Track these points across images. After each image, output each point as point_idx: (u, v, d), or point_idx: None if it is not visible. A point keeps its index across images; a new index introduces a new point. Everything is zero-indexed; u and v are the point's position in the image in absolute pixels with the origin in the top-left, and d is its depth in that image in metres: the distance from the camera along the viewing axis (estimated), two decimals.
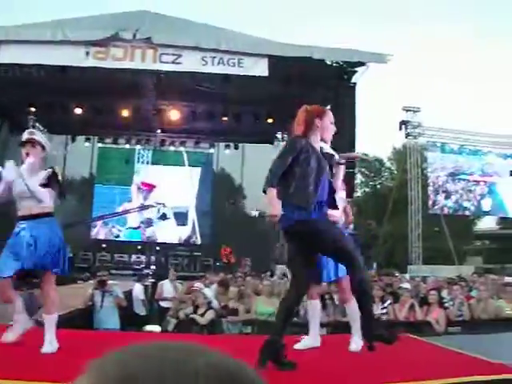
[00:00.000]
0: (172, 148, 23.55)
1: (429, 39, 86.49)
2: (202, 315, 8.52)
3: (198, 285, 9.63)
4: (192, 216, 23.53)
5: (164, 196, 21.71)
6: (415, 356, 5.04)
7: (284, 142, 24.37)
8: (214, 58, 14.39)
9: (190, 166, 23.90)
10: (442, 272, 18.10)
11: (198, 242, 23.40)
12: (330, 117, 4.87)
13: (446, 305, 9.06)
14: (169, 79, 15.68)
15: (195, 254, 22.00)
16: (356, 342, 4.93)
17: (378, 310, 8.71)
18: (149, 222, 22.92)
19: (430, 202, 24.09)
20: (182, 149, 23.59)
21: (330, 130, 4.85)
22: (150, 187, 23.26)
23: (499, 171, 24.26)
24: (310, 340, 5.09)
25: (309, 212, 4.21)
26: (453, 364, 4.47)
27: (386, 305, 8.81)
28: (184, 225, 23.42)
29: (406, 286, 9.99)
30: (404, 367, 4.36)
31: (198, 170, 24.08)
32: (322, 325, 7.90)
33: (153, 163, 23.81)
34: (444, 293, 9.89)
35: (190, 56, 14.30)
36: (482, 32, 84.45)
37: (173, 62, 14.23)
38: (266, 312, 8.65)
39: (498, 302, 9.24)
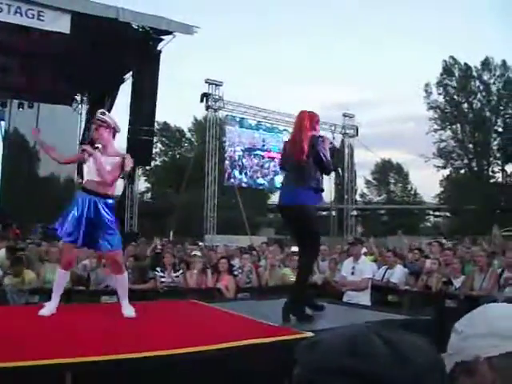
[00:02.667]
0: None
1: (238, 15, 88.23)
2: None
3: None
4: None
5: None
6: (204, 320, 5.20)
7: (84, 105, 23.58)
8: (11, 6, 13.33)
9: None
10: (235, 242, 18.77)
11: None
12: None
13: (236, 272, 9.43)
14: None
15: None
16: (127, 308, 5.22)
17: (170, 277, 8.83)
18: None
19: (226, 175, 24.80)
20: None
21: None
22: None
23: None
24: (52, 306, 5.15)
25: None
26: (239, 327, 4.68)
27: (178, 273, 8.94)
28: None
29: (197, 254, 10.22)
30: (192, 331, 4.47)
31: None
32: None
33: None
34: (235, 261, 10.28)
35: None
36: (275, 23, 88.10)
37: None
38: (54, 279, 8.31)
39: (284, 269, 9.82)
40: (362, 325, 0.86)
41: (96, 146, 5.22)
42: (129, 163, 5.31)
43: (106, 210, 5.13)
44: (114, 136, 5.45)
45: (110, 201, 5.26)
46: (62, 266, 5.35)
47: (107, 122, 5.35)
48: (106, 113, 5.64)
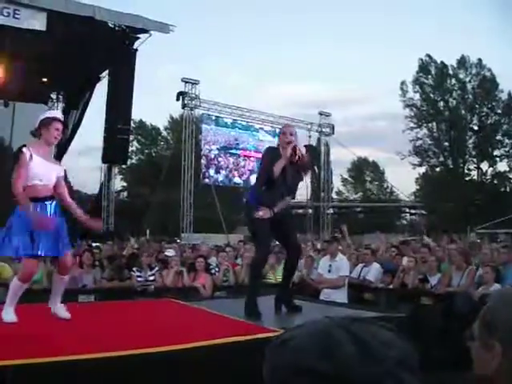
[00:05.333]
0: None
1: (214, 14, 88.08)
2: None
3: None
4: None
5: None
6: (179, 320, 5.21)
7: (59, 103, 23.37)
8: None
9: None
10: (212, 240, 18.76)
11: None
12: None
13: (213, 271, 9.45)
14: None
15: None
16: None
17: (146, 276, 8.82)
18: None
19: (202, 174, 24.78)
20: None
21: None
22: None
23: None
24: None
25: None
26: (215, 326, 4.70)
27: (153, 271, 8.92)
28: None
29: (171, 253, 10.21)
30: (167, 331, 4.48)
31: None
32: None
33: None
34: (211, 260, 10.28)
35: None
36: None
37: None
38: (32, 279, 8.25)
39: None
40: (332, 320, 0.86)
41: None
42: None
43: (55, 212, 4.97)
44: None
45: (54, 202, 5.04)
46: (23, 280, 4.93)
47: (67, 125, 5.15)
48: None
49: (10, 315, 4.72)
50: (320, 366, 0.78)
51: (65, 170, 5.25)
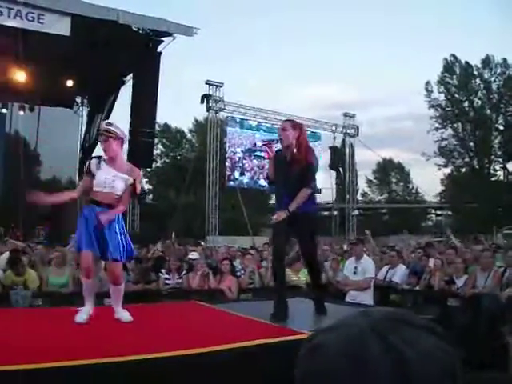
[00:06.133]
0: None
1: (237, 17, 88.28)
2: None
3: None
4: None
5: None
6: (206, 322, 5.21)
7: (84, 107, 23.57)
8: (11, 9, 13.34)
9: None
10: (237, 242, 18.77)
11: None
12: None
13: (238, 273, 9.44)
14: None
15: None
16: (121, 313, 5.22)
17: (175, 279, 8.85)
18: None
19: (227, 177, 24.80)
20: None
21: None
22: None
23: None
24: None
25: None
26: (241, 328, 4.69)
27: (181, 274, 8.96)
28: None
29: (194, 256, 10.21)
30: (194, 333, 4.47)
31: None
32: None
33: None
34: (236, 262, 10.28)
35: None
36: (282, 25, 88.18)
37: None
38: (57, 283, 8.34)
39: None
40: (368, 322, 0.80)
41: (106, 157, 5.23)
42: (139, 185, 5.32)
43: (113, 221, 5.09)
44: (122, 146, 5.39)
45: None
46: (83, 275, 5.22)
47: (115, 132, 5.22)
48: (113, 123, 5.54)
49: (82, 315, 4.91)
50: (350, 377, 0.75)
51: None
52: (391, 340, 0.76)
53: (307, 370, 0.81)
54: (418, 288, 9.06)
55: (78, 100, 23.01)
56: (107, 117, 20.82)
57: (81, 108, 23.88)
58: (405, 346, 0.76)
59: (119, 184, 5.15)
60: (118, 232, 5.10)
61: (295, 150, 5.32)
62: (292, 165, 5.28)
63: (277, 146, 5.66)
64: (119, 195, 5.15)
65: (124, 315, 5.13)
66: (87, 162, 5.66)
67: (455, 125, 42.22)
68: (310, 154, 5.38)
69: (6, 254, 9.64)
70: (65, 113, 22.65)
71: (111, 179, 5.12)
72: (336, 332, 0.82)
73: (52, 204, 5.34)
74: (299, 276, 9.54)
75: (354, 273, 8.34)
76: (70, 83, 19.43)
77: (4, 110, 22.09)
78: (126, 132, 18.53)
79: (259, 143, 24.83)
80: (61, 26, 13.91)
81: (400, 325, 0.80)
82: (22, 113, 21.94)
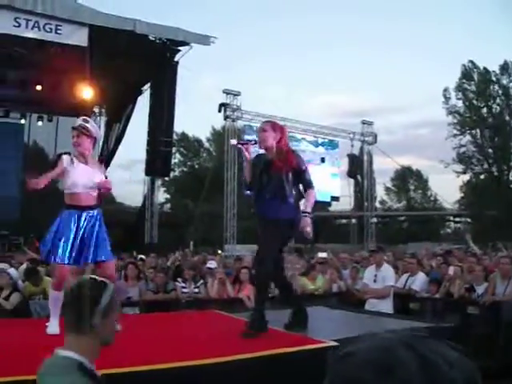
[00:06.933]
0: None
1: (253, 25, 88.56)
2: (7, 298, 7.97)
3: (1, 265, 8.99)
4: None
5: None
6: (225, 331, 5.18)
7: (102, 117, 23.72)
8: (29, 21, 13.47)
9: None
10: (255, 251, 18.70)
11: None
12: None
13: None
14: None
15: (2, 232, 20.57)
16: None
17: (191, 289, 8.83)
18: None
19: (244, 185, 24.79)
20: None
21: None
22: None
23: (311, 158, 25.57)
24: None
25: None
26: (261, 337, 4.65)
27: (198, 284, 8.94)
28: None
29: (213, 265, 10.18)
30: (214, 342, 4.45)
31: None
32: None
33: None
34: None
35: (0, 16, 13.23)
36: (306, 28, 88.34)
37: None
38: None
39: (302, 279, 9.74)
40: (396, 335, 0.84)
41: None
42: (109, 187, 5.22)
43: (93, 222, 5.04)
44: (93, 146, 5.32)
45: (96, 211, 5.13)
46: (56, 287, 5.02)
47: (90, 130, 5.18)
48: (90, 120, 5.50)
49: (53, 327, 4.76)
50: (380, 382, 0.75)
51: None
52: (420, 350, 0.79)
53: (337, 376, 0.83)
54: (437, 296, 8.97)
55: (96, 110, 23.14)
56: (125, 126, 20.95)
57: (99, 118, 24.03)
58: (433, 354, 0.79)
59: (94, 182, 5.08)
60: (99, 232, 5.02)
61: (275, 154, 5.04)
62: (272, 169, 5.00)
63: (255, 147, 5.41)
64: (94, 195, 5.10)
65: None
66: (56, 157, 5.53)
67: (473, 131, 41.97)
68: (295, 158, 5.09)
69: (25, 265, 9.72)
70: None
71: (88, 176, 5.05)
72: (366, 342, 0.85)
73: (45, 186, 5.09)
74: (316, 283, 9.50)
75: (374, 281, 8.27)
76: (87, 93, 19.56)
77: (22, 121, 22.25)
78: (144, 141, 18.61)
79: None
80: (78, 37, 14.04)
81: (425, 339, 0.84)
82: (40, 123, 22.10)
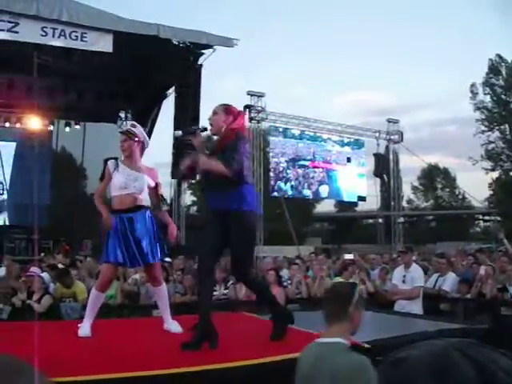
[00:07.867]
0: (7, 124, 21.84)
1: (276, 27, 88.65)
2: (39, 301, 8.07)
3: (33, 269, 9.11)
4: None
5: None
6: (254, 333, 5.16)
7: (130, 121, 23.90)
8: (55, 29, 13.64)
9: None
10: (282, 252, 18.69)
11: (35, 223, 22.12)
12: None
13: (285, 283, 9.37)
14: (4, 49, 14.62)
15: (33, 237, 20.79)
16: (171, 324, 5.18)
17: (220, 292, 8.83)
18: None
19: (271, 187, 24.76)
20: (18, 125, 22.10)
21: None
22: None
23: (337, 158, 25.46)
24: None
25: None
26: (289, 339, 4.62)
27: (228, 285, 8.94)
28: None
29: None
30: (244, 344, 4.43)
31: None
32: None
33: None
34: (283, 272, 10.21)
35: (28, 25, 13.42)
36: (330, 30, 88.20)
37: (9, 30, 13.26)
38: (105, 295, 8.38)
39: (335, 278, 9.65)
40: (448, 342, 0.84)
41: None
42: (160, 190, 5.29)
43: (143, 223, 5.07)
44: (142, 151, 5.34)
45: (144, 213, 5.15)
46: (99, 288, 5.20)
47: (137, 135, 5.23)
48: (137, 125, 5.55)
49: (85, 330, 4.80)
50: None
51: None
52: (473, 356, 0.79)
53: (390, 381, 0.83)
54: (469, 296, 8.84)
55: (122, 115, 23.32)
56: (151, 130, 21.07)
57: (125, 122, 24.20)
58: (487, 361, 0.78)
59: (140, 185, 5.09)
60: (147, 233, 5.05)
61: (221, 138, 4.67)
62: (213, 154, 4.61)
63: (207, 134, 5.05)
64: (140, 197, 5.10)
65: (173, 326, 5.11)
66: (103, 163, 5.60)
67: (502, 127, 41.32)
68: (235, 137, 4.63)
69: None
70: (109, 128, 22.94)
71: (133, 179, 5.07)
72: (418, 349, 0.85)
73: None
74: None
75: (403, 281, 8.17)
76: (113, 98, 19.73)
77: (51, 127, 22.51)
78: (170, 144, 18.68)
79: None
80: (103, 44, 14.14)
81: (475, 346, 0.83)
82: (67, 129, 22.33)
